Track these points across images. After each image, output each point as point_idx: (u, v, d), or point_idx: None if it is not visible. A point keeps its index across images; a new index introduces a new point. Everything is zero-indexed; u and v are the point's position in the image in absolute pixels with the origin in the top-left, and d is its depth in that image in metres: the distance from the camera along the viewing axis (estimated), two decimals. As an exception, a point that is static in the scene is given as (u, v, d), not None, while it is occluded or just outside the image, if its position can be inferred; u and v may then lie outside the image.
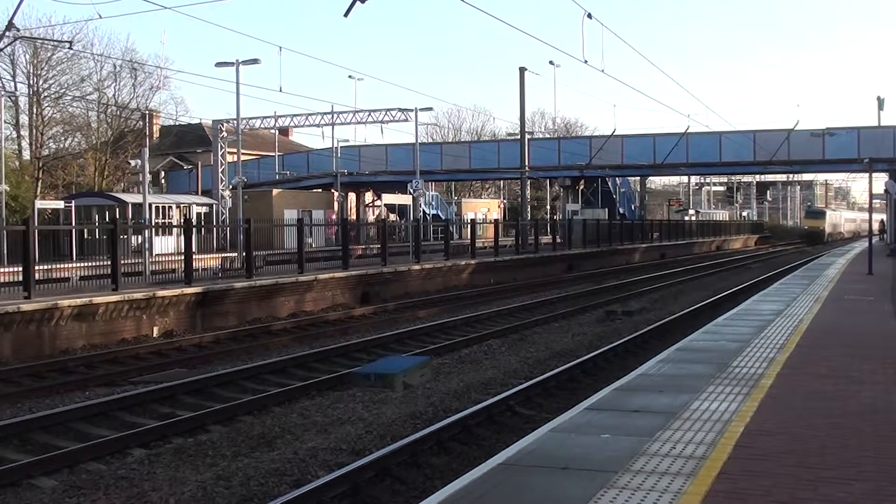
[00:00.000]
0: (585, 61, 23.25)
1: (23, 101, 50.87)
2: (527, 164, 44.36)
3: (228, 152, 49.01)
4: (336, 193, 53.23)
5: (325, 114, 48.42)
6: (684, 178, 64.07)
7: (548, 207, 73.01)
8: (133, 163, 44.48)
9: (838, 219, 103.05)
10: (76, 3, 42.70)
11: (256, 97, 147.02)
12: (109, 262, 19.84)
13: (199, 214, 43.73)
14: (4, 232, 28.77)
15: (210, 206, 45.37)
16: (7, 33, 29.19)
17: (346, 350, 17.37)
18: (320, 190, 57.43)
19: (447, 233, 38.85)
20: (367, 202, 63.84)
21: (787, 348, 12.38)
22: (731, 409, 8.56)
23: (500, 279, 33.35)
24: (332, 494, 8.24)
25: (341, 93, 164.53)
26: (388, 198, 60.66)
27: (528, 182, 48.22)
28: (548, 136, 76.87)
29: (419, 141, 48.17)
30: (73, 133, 55.14)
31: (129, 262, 23.71)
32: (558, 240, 43.17)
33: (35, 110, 50.76)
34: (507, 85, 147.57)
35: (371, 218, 61.51)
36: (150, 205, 32.99)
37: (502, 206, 76.04)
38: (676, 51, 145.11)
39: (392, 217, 60.01)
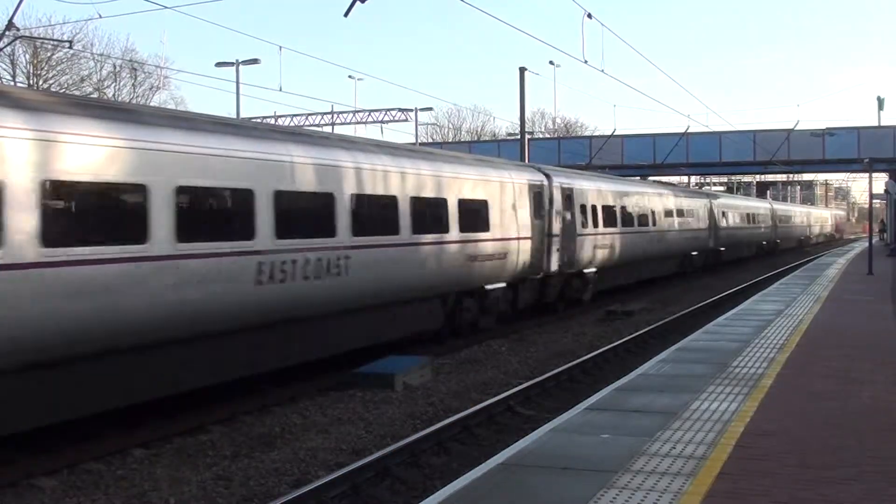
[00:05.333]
0: (585, 61, 23.20)
1: (23, 101, 50.82)
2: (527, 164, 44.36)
3: (229, 152, 48.89)
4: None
5: (325, 114, 48.41)
6: (684, 178, 63.98)
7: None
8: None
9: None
10: (76, 3, 42.65)
11: (256, 97, 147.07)
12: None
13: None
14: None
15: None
16: (7, 33, 29.16)
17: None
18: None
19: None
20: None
21: (787, 348, 12.38)
22: (731, 409, 8.57)
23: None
24: (333, 494, 8.24)
25: (341, 93, 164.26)
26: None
27: (528, 182, 48.19)
28: (548, 136, 76.79)
29: (419, 141, 48.17)
30: (73, 133, 55.04)
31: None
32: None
33: (35, 110, 50.67)
34: (507, 85, 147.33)
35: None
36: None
37: (502, 206, 75.78)
38: (676, 51, 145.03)
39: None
